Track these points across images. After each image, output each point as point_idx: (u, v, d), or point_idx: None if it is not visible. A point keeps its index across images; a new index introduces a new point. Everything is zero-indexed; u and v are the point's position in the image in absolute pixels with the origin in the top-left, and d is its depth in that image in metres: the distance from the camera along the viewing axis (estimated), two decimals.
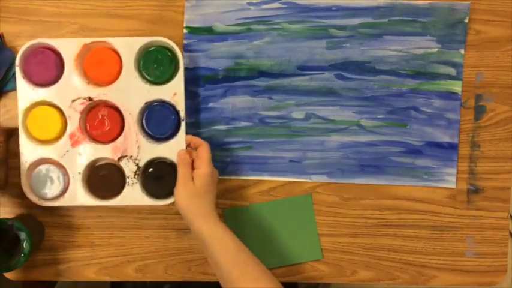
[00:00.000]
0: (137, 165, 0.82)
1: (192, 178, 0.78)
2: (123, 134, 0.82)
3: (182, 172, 0.79)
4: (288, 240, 0.88)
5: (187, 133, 0.83)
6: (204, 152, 0.80)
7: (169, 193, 0.83)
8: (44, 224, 0.88)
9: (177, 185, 0.79)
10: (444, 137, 0.88)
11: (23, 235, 0.80)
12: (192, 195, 0.78)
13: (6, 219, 0.80)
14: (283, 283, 0.87)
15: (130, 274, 0.88)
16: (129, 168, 0.82)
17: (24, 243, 0.80)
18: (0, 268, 0.80)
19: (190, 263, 0.88)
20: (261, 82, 0.87)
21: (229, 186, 0.88)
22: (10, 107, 0.87)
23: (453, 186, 0.88)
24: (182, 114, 0.82)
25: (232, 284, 0.72)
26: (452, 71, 0.87)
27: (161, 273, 0.88)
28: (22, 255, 0.80)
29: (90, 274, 0.88)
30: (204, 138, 0.86)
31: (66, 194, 0.83)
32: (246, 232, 0.88)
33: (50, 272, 0.88)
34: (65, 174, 0.83)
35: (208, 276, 0.88)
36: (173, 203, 0.82)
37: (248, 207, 0.88)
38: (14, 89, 0.85)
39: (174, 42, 0.82)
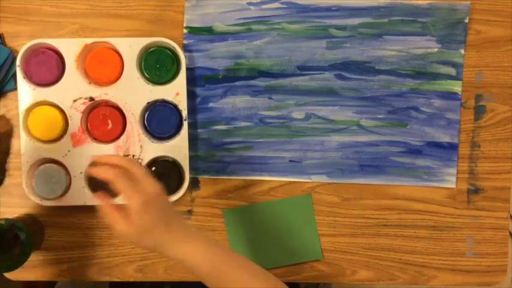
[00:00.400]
0: (140, 164, 0.83)
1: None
2: (125, 133, 0.84)
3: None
4: (288, 240, 0.89)
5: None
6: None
7: (172, 191, 0.85)
8: (44, 224, 0.89)
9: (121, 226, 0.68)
10: (444, 137, 0.89)
11: (23, 235, 0.81)
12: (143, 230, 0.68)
13: (6, 219, 0.81)
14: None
15: (130, 274, 0.89)
16: None
17: (24, 243, 0.81)
18: (0, 268, 0.81)
19: None
20: (261, 82, 0.89)
21: (229, 186, 0.89)
22: (10, 107, 0.88)
23: (453, 186, 0.89)
24: (184, 113, 0.84)
25: None
26: (452, 71, 0.88)
27: (161, 273, 0.89)
28: (22, 255, 0.81)
29: (90, 274, 0.89)
30: (204, 138, 0.88)
31: (68, 194, 0.84)
32: (246, 232, 0.89)
33: (50, 272, 0.89)
34: (67, 174, 0.84)
35: None
36: (176, 201, 0.84)
37: (248, 207, 0.89)
38: (14, 89, 0.87)
39: (174, 42, 0.83)
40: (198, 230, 0.72)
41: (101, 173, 0.68)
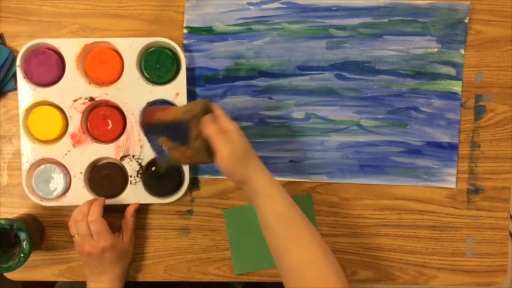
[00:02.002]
0: (140, 164, 0.85)
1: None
2: (125, 133, 0.86)
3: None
4: None
5: None
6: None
7: (172, 191, 0.86)
8: (44, 224, 0.91)
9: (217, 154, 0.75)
10: (444, 137, 0.90)
11: (23, 235, 0.82)
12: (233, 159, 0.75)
13: (6, 219, 0.83)
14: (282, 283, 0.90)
15: (130, 274, 0.91)
16: (131, 168, 0.86)
17: (24, 243, 0.82)
18: (0, 268, 0.82)
19: (190, 263, 0.91)
20: (261, 82, 0.90)
21: (229, 186, 0.91)
22: (10, 107, 0.90)
23: (453, 186, 0.91)
24: None
25: (279, 244, 0.73)
26: (452, 71, 0.90)
27: (161, 273, 0.91)
28: (22, 255, 0.82)
29: None
30: None
31: (68, 194, 0.86)
32: (246, 232, 0.90)
33: (50, 272, 0.91)
34: (67, 174, 0.86)
35: (208, 276, 0.91)
36: (176, 201, 0.87)
37: (248, 207, 0.91)
38: (14, 89, 0.89)
39: (174, 42, 0.85)
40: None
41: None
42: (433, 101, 0.90)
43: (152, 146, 0.78)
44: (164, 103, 0.86)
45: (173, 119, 0.74)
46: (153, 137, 0.77)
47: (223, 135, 0.73)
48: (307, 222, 0.74)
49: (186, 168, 0.86)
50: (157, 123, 0.76)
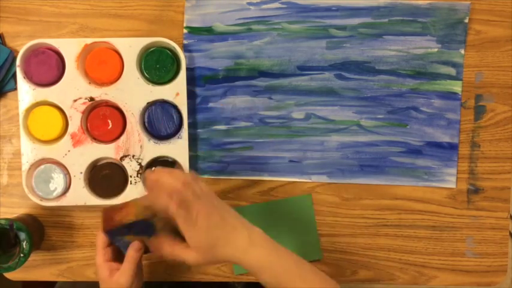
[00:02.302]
0: (140, 164, 0.86)
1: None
2: (125, 133, 0.86)
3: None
4: (287, 240, 0.91)
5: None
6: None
7: None
8: (44, 224, 0.91)
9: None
10: (444, 137, 0.91)
11: (23, 235, 0.82)
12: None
13: (6, 219, 0.83)
14: None
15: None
16: (131, 168, 0.86)
17: (24, 243, 0.82)
18: (0, 268, 0.83)
19: None
20: (261, 82, 0.91)
21: (229, 186, 0.91)
22: (10, 107, 0.90)
23: (453, 186, 0.91)
24: (185, 114, 0.86)
25: None
26: (452, 71, 0.90)
27: (161, 273, 0.92)
28: (22, 255, 0.82)
29: (90, 274, 0.91)
30: (203, 138, 0.90)
31: (68, 194, 0.87)
32: None
33: (50, 272, 0.92)
34: (67, 174, 0.86)
35: (208, 276, 0.92)
36: None
37: (248, 207, 0.91)
38: (14, 89, 0.89)
39: (174, 42, 0.86)
40: (260, 234, 0.70)
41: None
42: (433, 101, 0.91)
43: (119, 245, 0.75)
44: (164, 103, 0.87)
45: (137, 219, 0.71)
46: (118, 238, 0.73)
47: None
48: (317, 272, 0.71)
49: (186, 169, 0.87)
50: (121, 227, 0.72)
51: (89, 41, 0.86)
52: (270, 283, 0.69)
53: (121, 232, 0.72)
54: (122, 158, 0.86)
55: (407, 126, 0.91)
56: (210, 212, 0.67)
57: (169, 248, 0.70)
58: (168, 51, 0.86)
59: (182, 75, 0.86)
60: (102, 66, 0.86)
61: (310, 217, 0.91)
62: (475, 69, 0.91)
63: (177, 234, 0.69)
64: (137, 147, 0.86)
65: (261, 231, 0.70)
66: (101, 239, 0.75)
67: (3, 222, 0.82)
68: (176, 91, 0.86)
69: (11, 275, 0.90)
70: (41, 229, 0.90)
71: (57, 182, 0.87)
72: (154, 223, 0.71)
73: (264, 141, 0.91)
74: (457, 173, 0.91)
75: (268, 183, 0.91)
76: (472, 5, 0.90)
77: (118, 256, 0.76)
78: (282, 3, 0.90)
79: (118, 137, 0.86)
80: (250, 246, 0.68)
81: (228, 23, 0.90)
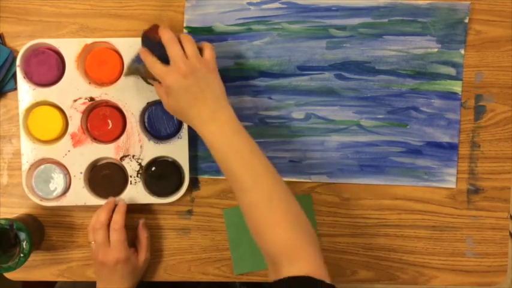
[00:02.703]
0: (140, 164, 0.86)
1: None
2: (125, 133, 0.86)
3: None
4: None
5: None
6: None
7: (172, 191, 0.88)
8: (44, 224, 0.91)
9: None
10: (444, 137, 0.91)
11: (23, 235, 0.83)
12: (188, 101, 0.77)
13: (6, 219, 0.83)
14: None
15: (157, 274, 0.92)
16: (131, 168, 0.86)
17: (24, 243, 0.83)
18: (0, 268, 0.83)
19: (190, 263, 0.92)
20: (261, 82, 0.91)
21: (229, 186, 0.91)
22: (10, 107, 0.91)
23: (453, 186, 0.91)
24: None
25: (244, 193, 0.74)
26: (452, 71, 0.91)
27: (161, 273, 0.92)
28: (22, 255, 0.83)
29: (90, 274, 0.92)
30: None
31: (68, 194, 0.87)
32: (246, 232, 0.90)
33: (50, 272, 0.92)
34: (67, 174, 0.87)
35: (208, 276, 0.92)
36: (176, 201, 0.88)
37: None
38: (14, 89, 0.90)
39: None
40: (226, 113, 0.77)
41: (162, 34, 0.78)
42: (433, 101, 0.91)
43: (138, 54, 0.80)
44: None
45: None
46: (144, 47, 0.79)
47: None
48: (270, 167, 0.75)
49: (186, 169, 0.87)
50: (156, 41, 0.79)
51: (89, 41, 0.86)
52: (218, 161, 0.76)
53: (151, 44, 0.79)
54: (122, 158, 0.86)
55: (407, 126, 0.91)
56: (195, 80, 0.75)
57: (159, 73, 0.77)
58: None
59: None
60: (102, 66, 0.86)
61: (310, 217, 0.91)
62: (475, 69, 0.91)
63: None
64: (137, 147, 0.86)
65: (231, 114, 0.77)
66: (124, 213, 0.85)
67: (3, 222, 0.82)
68: None
69: (11, 275, 0.90)
70: (41, 229, 0.91)
71: (57, 182, 0.87)
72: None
73: (264, 141, 0.91)
74: (457, 173, 0.91)
75: None
76: (472, 5, 0.90)
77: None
78: (282, 3, 0.90)
79: (118, 137, 0.87)
80: (210, 120, 0.75)
81: (228, 23, 0.90)
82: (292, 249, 0.69)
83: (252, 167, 0.74)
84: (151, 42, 0.79)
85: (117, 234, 0.83)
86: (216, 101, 0.76)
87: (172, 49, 0.76)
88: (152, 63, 0.77)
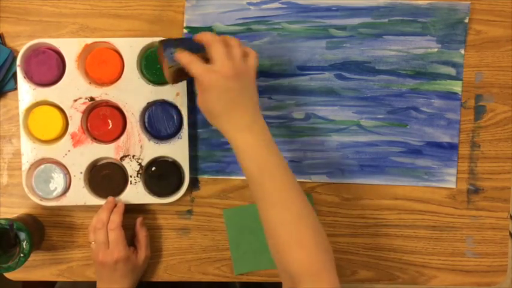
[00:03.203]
0: (140, 164, 0.87)
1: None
2: (126, 133, 0.87)
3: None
4: None
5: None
6: None
7: (172, 191, 0.88)
8: (44, 224, 0.92)
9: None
10: (444, 137, 0.92)
11: (23, 235, 0.83)
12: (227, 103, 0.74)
13: (6, 219, 0.84)
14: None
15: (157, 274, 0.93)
16: (131, 168, 0.87)
17: (24, 243, 0.83)
18: (0, 268, 0.83)
19: (190, 263, 0.92)
20: (261, 82, 0.91)
21: (229, 186, 0.92)
22: (10, 107, 0.91)
23: (453, 186, 0.92)
24: (185, 114, 0.87)
25: (272, 208, 0.72)
26: (452, 71, 0.91)
27: (161, 273, 0.93)
28: (22, 255, 0.83)
29: (90, 274, 0.92)
30: (204, 138, 0.91)
31: (68, 194, 0.88)
32: (246, 232, 0.92)
33: (50, 272, 0.92)
34: (67, 173, 0.87)
35: (208, 276, 0.92)
36: (176, 201, 0.88)
37: (248, 207, 0.92)
38: (14, 88, 0.90)
39: None
40: (262, 124, 0.75)
41: (202, 36, 0.76)
42: (433, 101, 0.91)
43: (167, 56, 0.78)
44: (164, 104, 0.88)
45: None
46: (169, 49, 0.77)
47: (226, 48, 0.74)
48: (287, 182, 0.74)
49: (186, 169, 0.87)
50: (177, 38, 0.79)
51: (89, 41, 0.87)
52: (247, 170, 0.73)
53: (175, 43, 0.77)
54: (122, 158, 0.87)
55: (407, 126, 0.92)
56: (238, 83, 0.73)
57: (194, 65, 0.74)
58: None
59: None
60: (102, 66, 0.87)
61: None
62: (475, 69, 0.92)
63: None
64: (137, 147, 0.87)
65: (266, 127, 0.75)
66: (122, 213, 0.85)
67: (3, 222, 0.82)
68: (176, 91, 0.87)
69: (11, 275, 0.91)
70: (41, 229, 0.91)
71: (57, 181, 0.87)
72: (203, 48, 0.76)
73: None
74: (457, 173, 0.92)
75: None
76: (472, 5, 0.91)
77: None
78: (282, 3, 0.91)
79: (118, 137, 0.87)
80: (247, 129, 0.74)
81: (228, 23, 0.91)
82: (317, 271, 0.69)
83: (283, 183, 0.73)
84: (175, 40, 0.78)
85: (115, 233, 0.83)
86: (254, 110, 0.75)
87: (217, 48, 0.73)
88: (192, 61, 0.73)
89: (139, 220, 0.89)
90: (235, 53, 0.74)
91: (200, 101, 0.75)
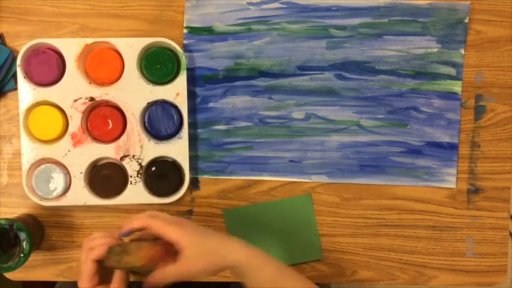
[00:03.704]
0: (140, 164, 0.87)
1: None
2: (126, 133, 0.87)
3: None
4: (288, 240, 0.92)
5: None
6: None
7: (172, 191, 0.89)
8: (44, 224, 0.92)
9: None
10: (444, 137, 0.92)
11: (23, 235, 0.83)
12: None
13: (6, 219, 0.84)
14: None
15: (130, 274, 0.92)
16: (132, 168, 0.88)
17: (24, 243, 0.83)
18: (0, 268, 0.84)
19: None
20: (261, 82, 0.92)
21: (229, 186, 0.93)
22: (10, 107, 0.92)
23: (453, 186, 0.93)
24: (185, 114, 0.88)
25: None
26: (452, 71, 0.92)
27: None
28: (22, 255, 0.83)
29: None
30: (203, 138, 0.92)
31: (68, 194, 0.88)
32: (246, 232, 0.92)
33: (50, 272, 0.93)
34: (67, 174, 0.88)
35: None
36: (176, 201, 0.88)
37: (248, 207, 0.93)
38: (14, 88, 0.91)
39: (174, 42, 0.87)
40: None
41: (134, 223, 0.72)
42: (433, 101, 0.92)
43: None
44: (164, 103, 0.88)
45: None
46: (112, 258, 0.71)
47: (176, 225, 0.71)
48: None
49: (186, 169, 0.88)
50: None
51: (90, 41, 0.87)
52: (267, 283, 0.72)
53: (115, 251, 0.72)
54: (122, 158, 0.88)
55: (407, 126, 0.92)
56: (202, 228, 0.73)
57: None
58: (169, 51, 0.88)
59: (182, 75, 0.87)
60: (102, 66, 0.87)
61: (310, 217, 0.92)
62: (475, 69, 0.92)
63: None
64: (137, 147, 0.88)
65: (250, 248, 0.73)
66: (90, 266, 0.72)
67: (3, 222, 0.83)
68: (176, 91, 0.87)
69: (11, 275, 0.91)
70: (41, 229, 0.92)
71: (57, 182, 0.88)
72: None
73: (264, 141, 0.92)
74: (457, 173, 0.92)
75: (268, 183, 0.93)
76: (472, 5, 0.91)
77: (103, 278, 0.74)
78: (282, 3, 0.92)
79: (118, 137, 0.88)
80: (245, 246, 0.72)
81: (228, 23, 0.92)
82: None
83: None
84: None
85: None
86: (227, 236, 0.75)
87: (165, 228, 0.71)
88: (164, 226, 0.71)
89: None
90: (165, 216, 0.73)
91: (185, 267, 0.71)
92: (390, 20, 0.92)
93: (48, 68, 0.87)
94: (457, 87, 0.92)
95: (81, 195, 0.88)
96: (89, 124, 0.88)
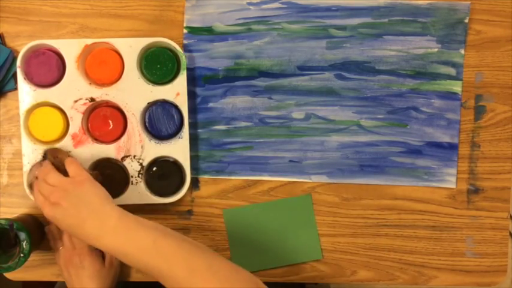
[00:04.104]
0: (141, 164, 0.88)
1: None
2: (126, 133, 0.88)
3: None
4: (287, 240, 0.93)
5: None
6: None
7: (173, 192, 0.89)
8: (44, 224, 0.93)
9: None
10: (444, 137, 0.93)
11: (23, 235, 0.84)
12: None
13: (6, 219, 0.84)
14: (283, 283, 0.92)
15: (130, 274, 0.93)
16: (133, 168, 0.88)
17: (24, 243, 0.84)
18: (0, 268, 0.84)
19: None
20: (261, 82, 0.93)
21: (229, 186, 0.93)
22: (10, 107, 0.92)
23: (453, 186, 0.93)
24: (185, 114, 0.88)
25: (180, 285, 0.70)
26: (452, 71, 0.93)
27: None
28: (22, 255, 0.84)
29: None
30: (203, 138, 0.92)
31: None
32: (246, 232, 0.93)
33: (50, 272, 0.93)
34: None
35: None
36: (176, 201, 0.89)
37: (248, 207, 0.93)
38: (14, 88, 0.91)
39: (174, 42, 0.88)
40: (117, 216, 0.74)
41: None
42: (433, 101, 0.93)
43: None
44: (165, 103, 0.89)
45: None
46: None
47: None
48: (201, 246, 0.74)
49: (187, 168, 0.89)
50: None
51: (89, 41, 0.88)
52: (135, 265, 0.75)
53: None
54: (123, 159, 0.88)
55: (407, 126, 0.93)
56: (67, 202, 0.75)
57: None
58: (169, 51, 0.88)
59: (182, 75, 0.88)
60: (102, 66, 0.88)
61: (310, 217, 0.93)
62: (475, 69, 0.93)
63: None
64: (138, 147, 0.88)
65: (119, 215, 0.74)
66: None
67: (3, 222, 0.83)
68: (176, 91, 0.88)
69: (11, 275, 0.92)
70: (41, 229, 0.92)
71: None
72: None
73: (264, 141, 0.93)
74: (457, 173, 0.93)
75: (268, 183, 0.93)
76: (472, 5, 0.92)
77: None
78: (282, 3, 0.92)
79: (119, 138, 0.89)
80: (103, 234, 0.73)
81: (228, 23, 0.92)
82: None
83: (163, 251, 0.71)
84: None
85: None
86: (97, 212, 0.74)
87: (36, 187, 0.78)
88: (36, 199, 0.78)
89: None
90: (50, 179, 0.78)
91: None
92: (390, 20, 0.92)
93: (48, 69, 0.88)
94: (457, 87, 0.93)
95: None
96: (89, 125, 0.89)
